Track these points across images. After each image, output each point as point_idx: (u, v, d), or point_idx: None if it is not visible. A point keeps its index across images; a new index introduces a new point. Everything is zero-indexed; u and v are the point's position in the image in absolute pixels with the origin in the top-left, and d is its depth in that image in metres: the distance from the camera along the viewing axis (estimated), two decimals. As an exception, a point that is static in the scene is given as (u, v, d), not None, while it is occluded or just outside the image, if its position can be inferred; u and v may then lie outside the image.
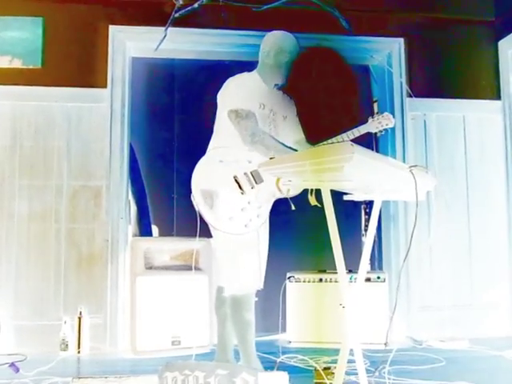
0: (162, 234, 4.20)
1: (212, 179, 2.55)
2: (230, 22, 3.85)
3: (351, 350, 2.01)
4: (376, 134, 2.85)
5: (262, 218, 2.60)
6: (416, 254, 3.85)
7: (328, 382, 2.39)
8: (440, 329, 3.76)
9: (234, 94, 2.68)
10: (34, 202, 3.65)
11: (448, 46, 4.16)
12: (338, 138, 2.70)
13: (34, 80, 3.70)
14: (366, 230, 4.27)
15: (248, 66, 2.85)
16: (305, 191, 2.26)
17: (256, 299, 2.70)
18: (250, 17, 3.83)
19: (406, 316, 3.77)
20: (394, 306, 2.19)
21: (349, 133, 2.74)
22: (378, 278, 3.57)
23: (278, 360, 2.72)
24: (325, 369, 2.49)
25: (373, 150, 3.75)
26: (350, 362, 2.02)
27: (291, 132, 2.85)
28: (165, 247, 3.59)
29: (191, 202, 2.56)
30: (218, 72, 3.58)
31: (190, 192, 2.55)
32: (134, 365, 3.18)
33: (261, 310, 2.74)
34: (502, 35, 4.14)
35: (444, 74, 4.13)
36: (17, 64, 3.72)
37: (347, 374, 2.30)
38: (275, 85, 2.77)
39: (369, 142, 3.29)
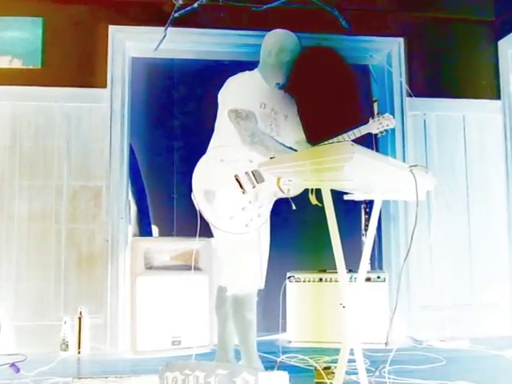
0: (162, 233, 4.20)
1: (213, 178, 2.55)
2: (229, 22, 3.85)
3: (351, 349, 2.01)
4: (376, 134, 2.85)
5: (262, 218, 2.60)
6: (416, 254, 3.85)
7: (328, 381, 2.39)
8: (440, 328, 3.76)
9: (234, 93, 2.68)
10: (33, 202, 3.64)
11: (448, 45, 4.16)
12: (340, 138, 2.70)
13: (34, 80, 3.70)
14: (366, 230, 4.27)
15: (248, 66, 2.84)
16: (305, 191, 2.26)
17: (256, 299, 2.70)
18: (250, 17, 3.83)
19: (406, 316, 3.77)
20: (395, 305, 2.19)
21: (350, 133, 2.74)
22: (378, 277, 3.57)
23: (279, 360, 2.72)
24: (325, 368, 2.49)
25: (373, 149, 3.74)
26: (350, 361, 2.02)
27: (292, 132, 2.85)
28: (165, 247, 3.59)
29: (191, 201, 2.56)
30: (217, 72, 3.57)
31: (190, 192, 2.55)
32: (134, 365, 3.18)
33: (261, 309, 2.74)
34: (501, 35, 4.14)
35: (444, 73, 4.14)
36: (17, 64, 3.72)
37: (347, 373, 2.30)
38: (276, 84, 2.77)
39: (369, 141, 3.28)
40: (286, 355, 2.97)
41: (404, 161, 3.83)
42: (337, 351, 2.02)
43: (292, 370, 2.64)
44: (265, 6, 3.83)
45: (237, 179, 2.56)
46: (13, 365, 2.89)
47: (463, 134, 4.12)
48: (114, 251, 3.66)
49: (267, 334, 3.70)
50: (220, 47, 3.99)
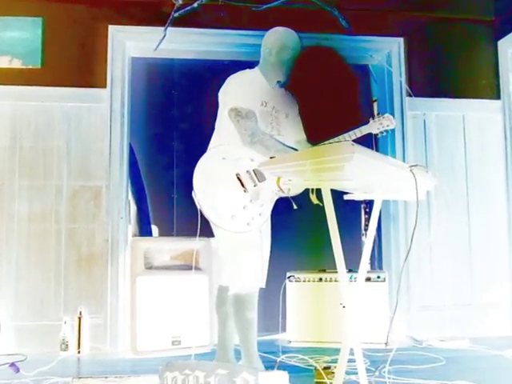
0: (162, 233, 4.20)
1: (214, 177, 2.54)
2: (229, 22, 3.85)
3: (351, 349, 2.01)
4: (377, 134, 2.85)
5: (264, 217, 2.59)
6: (416, 254, 3.84)
7: (328, 381, 2.39)
8: (440, 328, 3.76)
9: (235, 91, 2.68)
10: (33, 202, 3.64)
11: (448, 45, 4.16)
12: (340, 137, 2.69)
13: (34, 80, 3.70)
14: (365, 230, 4.27)
15: (248, 65, 2.84)
16: (306, 190, 2.26)
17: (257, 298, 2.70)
18: (250, 16, 3.83)
19: (406, 315, 3.76)
20: (395, 305, 2.19)
21: (351, 133, 2.74)
22: (378, 277, 3.57)
23: (278, 359, 2.71)
24: (325, 368, 2.49)
25: (373, 149, 3.75)
26: (350, 361, 2.02)
27: (293, 131, 2.85)
28: (165, 247, 3.58)
29: (191, 201, 2.56)
30: (217, 72, 3.57)
31: (190, 192, 2.54)
32: (134, 365, 3.18)
33: (261, 309, 2.74)
34: (501, 35, 4.14)
35: (444, 73, 4.14)
36: (16, 64, 3.72)
37: (347, 373, 2.30)
38: (277, 82, 2.76)
39: (369, 141, 3.28)
40: (286, 355, 2.97)
41: (404, 161, 3.83)
42: (337, 351, 2.02)
43: (292, 369, 2.64)
44: (265, 6, 3.83)
45: (238, 178, 2.55)
46: (13, 365, 2.89)
47: (463, 134, 4.12)
48: (114, 251, 3.66)
49: (267, 334, 3.70)
50: (220, 47, 3.99)
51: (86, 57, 3.80)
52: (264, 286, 2.69)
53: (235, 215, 2.51)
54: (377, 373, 2.57)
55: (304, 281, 3.68)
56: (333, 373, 2.39)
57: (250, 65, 2.83)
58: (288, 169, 2.00)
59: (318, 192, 1.98)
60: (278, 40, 2.72)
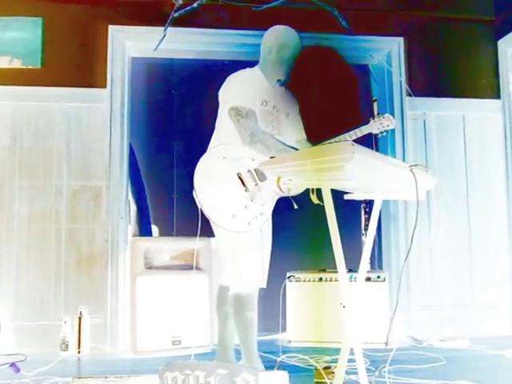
0: (162, 233, 4.20)
1: (215, 176, 2.53)
2: (229, 22, 3.85)
3: (351, 349, 2.01)
4: (377, 134, 2.85)
5: (265, 216, 2.58)
6: (416, 254, 3.84)
7: (328, 381, 2.39)
8: (440, 328, 3.77)
9: (235, 91, 2.67)
10: (33, 202, 3.65)
11: (448, 44, 4.16)
12: (341, 137, 2.69)
13: (34, 80, 3.70)
14: (366, 230, 4.27)
15: (248, 65, 2.83)
16: (306, 190, 2.26)
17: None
18: (250, 16, 3.83)
19: (406, 315, 3.76)
20: (395, 305, 2.19)
21: (351, 133, 2.73)
22: (378, 277, 3.57)
23: (279, 359, 2.71)
24: (325, 368, 2.49)
25: (373, 149, 3.75)
26: (350, 361, 2.02)
27: (293, 130, 2.84)
28: (165, 247, 3.58)
29: (191, 201, 2.55)
30: (217, 72, 3.57)
31: (190, 192, 2.54)
32: (134, 365, 3.18)
33: (261, 309, 2.74)
34: (501, 34, 4.14)
35: (444, 73, 4.14)
36: (16, 64, 3.72)
37: (347, 373, 2.30)
38: (277, 81, 2.76)
39: (369, 141, 3.28)
40: (286, 355, 2.97)
41: (404, 160, 3.83)
42: (337, 351, 2.02)
43: (292, 369, 2.64)
44: (265, 6, 3.83)
45: (239, 177, 2.55)
46: (13, 365, 2.89)
47: (463, 134, 4.12)
48: (114, 251, 3.66)
49: (267, 334, 3.69)
50: (220, 47, 3.99)
51: (85, 57, 3.80)
52: (265, 286, 2.69)
53: (236, 215, 2.50)
54: (377, 373, 2.58)
55: (304, 281, 3.68)
56: (333, 373, 2.39)
57: (250, 65, 2.82)
58: (288, 168, 2.00)
59: (319, 192, 1.98)
60: (277, 38, 2.72)
